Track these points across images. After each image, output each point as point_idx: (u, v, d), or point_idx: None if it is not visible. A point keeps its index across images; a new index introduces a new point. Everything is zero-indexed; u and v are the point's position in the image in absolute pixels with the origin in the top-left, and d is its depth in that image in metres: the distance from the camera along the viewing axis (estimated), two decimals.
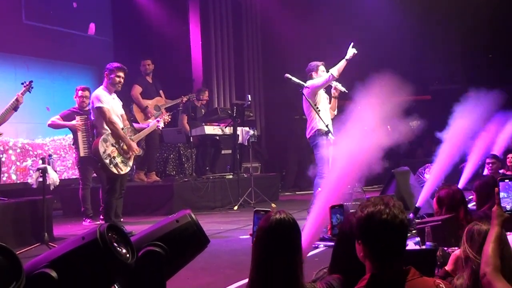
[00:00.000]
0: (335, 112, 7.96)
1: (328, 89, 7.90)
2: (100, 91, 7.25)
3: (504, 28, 14.01)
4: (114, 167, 7.16)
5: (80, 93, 8.70)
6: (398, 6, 13.77)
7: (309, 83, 7.56)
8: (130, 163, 7.46)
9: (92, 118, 7.41)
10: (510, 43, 14.32)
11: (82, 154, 8.50)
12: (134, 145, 7.37)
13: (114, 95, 7.35)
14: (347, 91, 7.72)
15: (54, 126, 8.81)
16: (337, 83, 7.71)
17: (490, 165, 8.69)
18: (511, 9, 13.61)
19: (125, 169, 7.33)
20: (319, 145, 7.60)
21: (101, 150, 7.09)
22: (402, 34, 14.11)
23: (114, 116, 7.25)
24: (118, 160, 7.21)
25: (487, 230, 2.74)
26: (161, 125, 8.12)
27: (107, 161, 7.11)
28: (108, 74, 7.25)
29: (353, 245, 2.50)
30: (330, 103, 7.89)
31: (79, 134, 8.57)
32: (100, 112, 7.16)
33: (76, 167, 9.01)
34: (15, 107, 7.17)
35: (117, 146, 7.23)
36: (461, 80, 15.24)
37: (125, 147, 7.27)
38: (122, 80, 7.32)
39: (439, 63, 15.33)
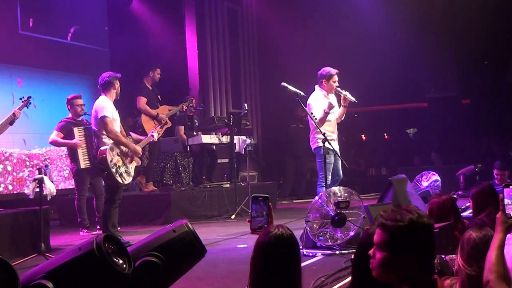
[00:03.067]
0: (342, 118, 7.98)
1: (337, 98, 7.92)
2: (104, 101, 7.28)
3: (500, 35, 14.05)
4: (119, 177, 7.19)
5: (75, 101, 8.71)
6: (394, 14, 13.82)
7: (311, 107, 7.62)
8: (132, 173, 7.51)
9: (94, 128, 7.41)
10: (506, 50, 14.36)
11: (82, 166, 8.48)
12: (138, 148, 7.44)
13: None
14: (357, 101, 7.74)
15: (55, 144, 8.77)
16: (346, 93, 7.72)
17: (499, 176, 8.71)
18: (506, 17, 13.65)
19: (128, 179, 7.41)
20: (320, 154, 7.63)
21: (109, 159, 7.11)
22: (398, 42, 14.16)
23: (116, 127, 7.29)
24: (123, 170, 7.25)
25: (476, 238, 2.72)
26: (155, 136, 8.13)
27: (114, 170, 7.13)
28: (110, 85, 7.30)
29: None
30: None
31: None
32: (103, 122, 7.17)
33: (72, 177, 8.99)
34: (11, 122, 7.17)
35: (121, 156, 7.26)
36: (456, 88, 15.28)
37: (125, 149, 7.29)
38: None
39: (435, 70, 15.37)
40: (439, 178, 8.98)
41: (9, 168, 9.77)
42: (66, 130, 8.59)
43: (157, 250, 2.36)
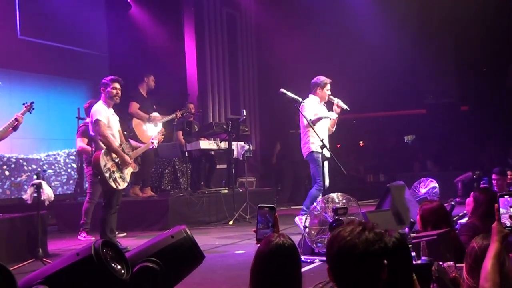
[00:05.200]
0: (333, 129, 8.02)
1: (329, 106, 7.96)
2: (99, 106, 7.25)
3: (498, 42, 14.10)
4: (113, 182, 7.12)
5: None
6: (393, 21, 13.85)
7: (304, 109, 7.64)
8: (128, 179, 7.44)
9: (92, 133, 7.39)
10: (504, 57, 14.40)
11: None
12: (128, 159, 7.34)
13: (112, 110, 7.34)
14: (349, 109, 7.78)
15: (84, 152, 8.72)
16: (338, 100, 7.78)
17: (496, 181, 8.70)
18: (505, 24, 13.70)
19: (123, 185, 7.30)
20: (314, 160, 7.65)
21: (102, 163, 7.05)
22: (397, 48, 14.19)
23: (112, 131, 7.24)
24: (117, 175, 7.17)
25: (477, 250, 2.72)
26: (155, 143, 8.09)
27: (107, 175, 7.07)
28: (104, 88, 7.26)
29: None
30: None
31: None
32: (96, 125, 7.15)
33: (87, 181, 8.88)
34: (14, 127, 7.15)
35: (116, 161, 7.21)
36: (455, 94, 15.31)
37: (118, 160, 7.25)
38: (119, 92, 7.30)
39: (434, 77, 15.40)
40: (437, 185, 8.98)
41: (7, 173, 9.76)
42: (86, 134, 8.58)
43: (155, 256, 2.36)
